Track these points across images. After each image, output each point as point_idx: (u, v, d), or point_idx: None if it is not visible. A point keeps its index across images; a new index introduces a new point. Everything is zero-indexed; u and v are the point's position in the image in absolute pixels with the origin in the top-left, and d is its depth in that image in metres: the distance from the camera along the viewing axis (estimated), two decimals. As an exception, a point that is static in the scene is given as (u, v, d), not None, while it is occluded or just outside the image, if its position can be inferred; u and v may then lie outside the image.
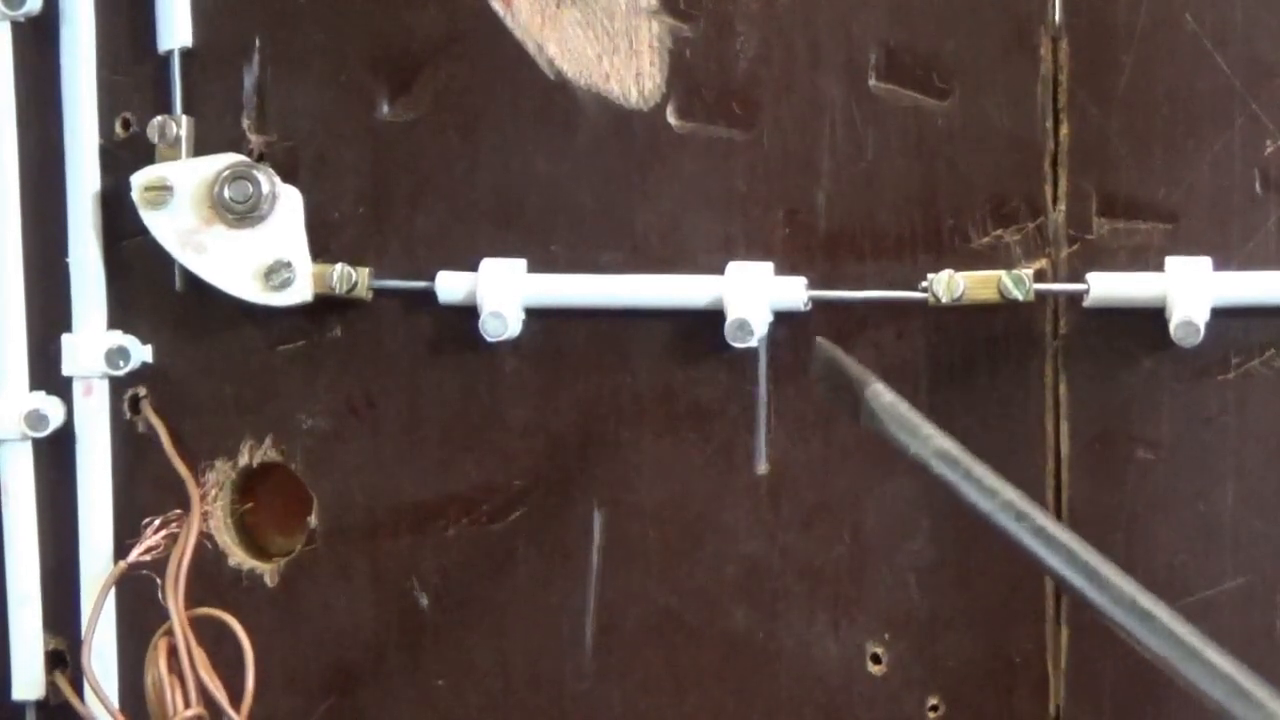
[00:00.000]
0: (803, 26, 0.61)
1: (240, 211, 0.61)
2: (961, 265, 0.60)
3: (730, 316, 0.59)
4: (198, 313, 0.64)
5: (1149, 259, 0.60)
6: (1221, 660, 0.43)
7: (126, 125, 0.64)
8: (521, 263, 0.62)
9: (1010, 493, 0.47)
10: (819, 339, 0.57)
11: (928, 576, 0.62)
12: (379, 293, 0.63)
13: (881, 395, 0.50)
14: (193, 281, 0.62)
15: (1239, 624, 0.60)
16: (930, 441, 0.49)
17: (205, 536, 0.63)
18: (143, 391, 0.64)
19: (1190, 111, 0.60)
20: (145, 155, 0.62)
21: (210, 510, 0.64)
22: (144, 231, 0.62)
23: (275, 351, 0.64)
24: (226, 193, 0.61)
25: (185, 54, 0.63)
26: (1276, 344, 0.60)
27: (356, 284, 0.62)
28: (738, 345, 0.60)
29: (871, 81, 0.61)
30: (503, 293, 0.61)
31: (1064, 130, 0.60)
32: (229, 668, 0.57)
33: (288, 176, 0.62)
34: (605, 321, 0.62)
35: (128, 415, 0.64)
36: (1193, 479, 0.60)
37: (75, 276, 0.63)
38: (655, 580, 0.63)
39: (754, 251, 0.61)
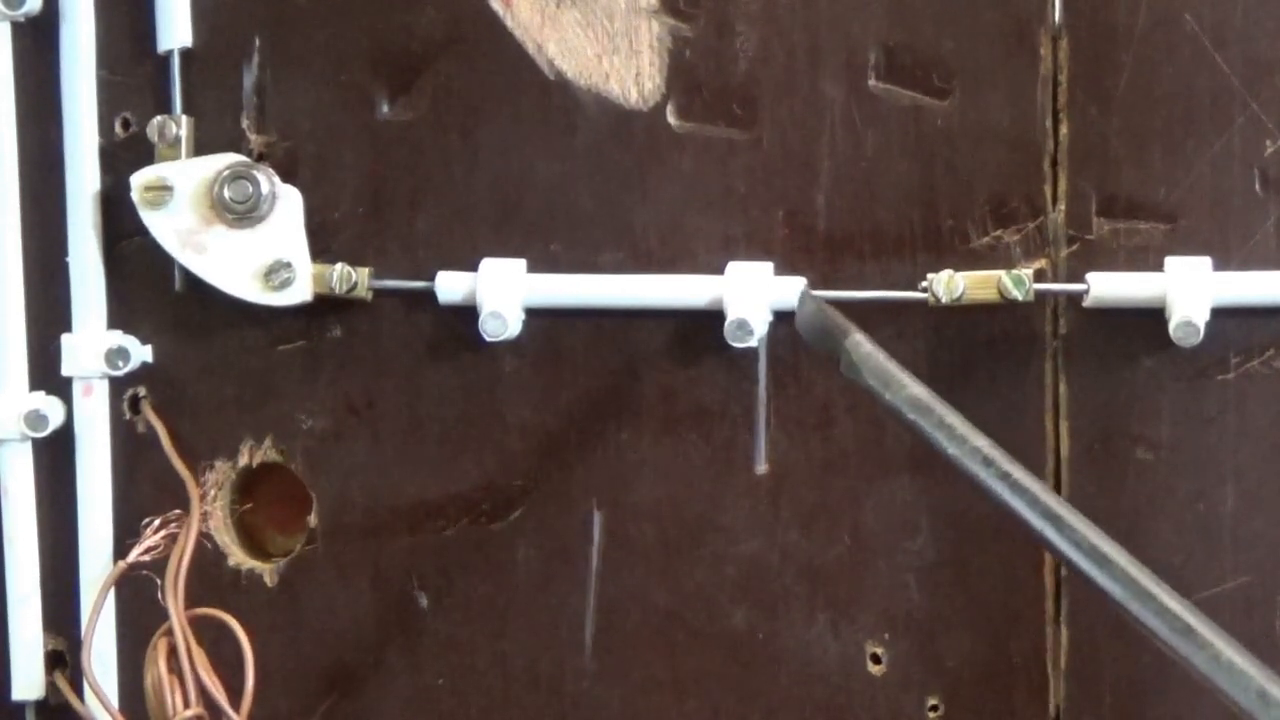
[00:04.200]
0: (803, 26, 0.61)
1: (240, 211, 0.61)
2: (961, 265, 0.60)
3: (730, 316, 0.59)
4: (198, 313, 0.64)
5: (1149, 259, 0.60)
6: (1177, 605, 0.44)
7: (126, 125, 0.64)
8: (521, 263, 0.62)
9: (979, 440, 0.49)
10: (804, 288, 0.58)
11: (928, 576, 0.62)
12: (379, 293, 0.63)
13: (861, 345, 0.53)
14: (193, 281, 0.62)
15: (1239, 624, 0.60)
16: (904, 390, 0.51)
17: (205, 536, 0.63)
18: (143, 391, 0.64)
19: (1190, 111, 0.60)
20: (145, 155, 0.62)
21: (210, 510, 0.64)
22: (144, 231, 0.62)
23: (275, 351, 0.64)
24: (226, 193, 0.61)
25: (185, 54, 0.63)
26: (1276, 344, 0.60)
27: (356, 284, 0.62)
28: (738, 345, 0.60)
29: (871, 81, 0.61)
30: (503, 293, 0.61)
31: (1064, 130, 0.60)
32: (229, 668, 0.57)
33: (288, 176, 0.62)
34: (605, 321, 0.62)
35: (127, 415, 0.64)
36: (1193, 479, 0.60)
37: (75, 276, 0.63)
38: (655, 580, 0.63)
39: (754, 251, 0.61)
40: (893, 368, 0.52)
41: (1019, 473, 0.48)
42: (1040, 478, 0.60)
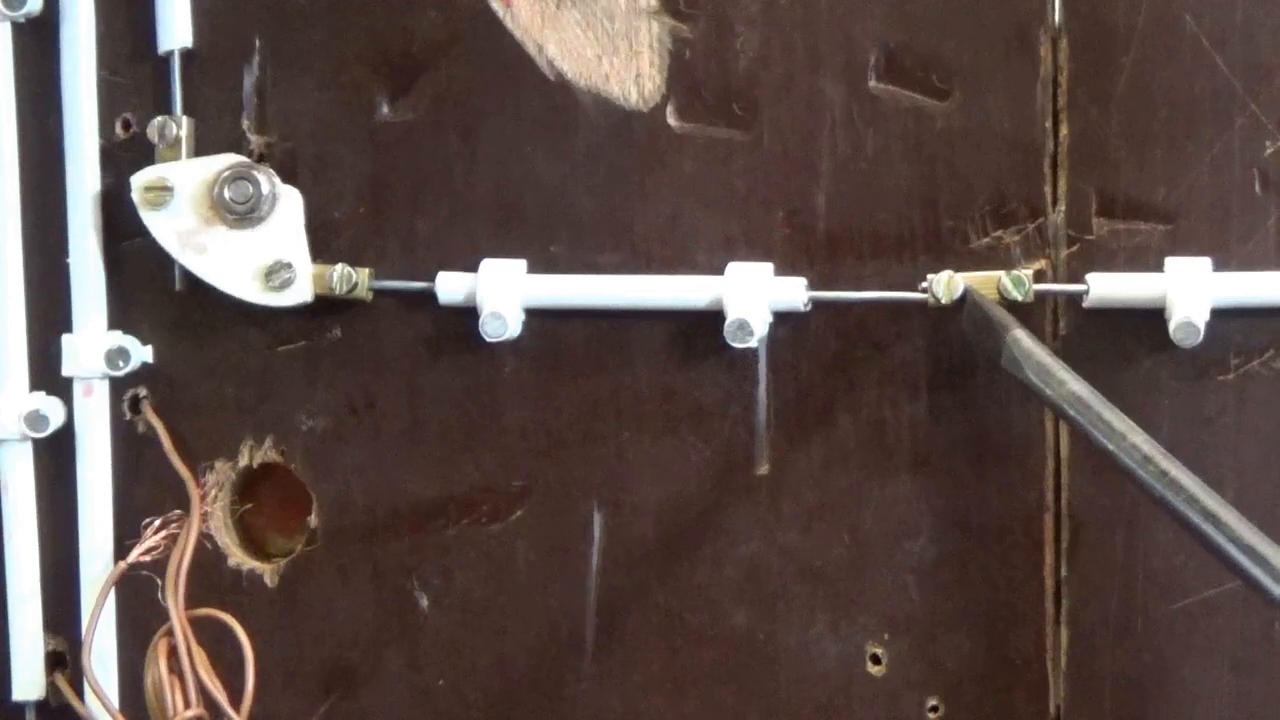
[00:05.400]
0: (803, 26, 0.61)
1: (240, 212, 0.61)
2: (961, 266, 0.60)
3: (730, 316, 0.59)
4: (198, 313, 0.64)
5: (1149, 259, 0.60)
6: None
7: (127, 126, 0.64)
8: (521, 263, 0.62)
9: (1137, 437, 0.50)
10: (968, 287, 0.58)
11: (928, 576, 0.62)
12: (379, 293, 0.63)
13: (1021, 341, 0.54)
14: (193, 282, 0.62)
15: (1239, 624, 0.60)
16: (1064, 386, 0.52)
17: (205, 537, 0.63)
18: (143, 392, 0.64)
19: (1190, 111, 0.60)
20: (145, 155, 0.62)
21: (210, 511, 0.64)
22: (144, 232, 0.62)
23: (275, 352, 0.64)
24: (226, 193, 0.61)
25: (185, 54, 0.63)
26: (1276, 344, 0.60)
27: (356, 284, 0.62)
28: (738, 345, 0.60)
29: (871, 82, 0.61)
30: (503, 293, 0.61)
31: (1064, 131, 0.60)
32: (229, 668, 0.57)
33: (288, 177, 0.62)
34: (605, 322, 0.62)
35: (128, 416, 0.64)
36: (1192, 479, 0.60)
37: (75, 276, 0.63)
38: (655, 580, 0.63)
39: (754, 252, 0.61)
40: (1053, 364, 0.53)
41: (1177, 471, 0.48)
42: (1040, 478, 0.61)
